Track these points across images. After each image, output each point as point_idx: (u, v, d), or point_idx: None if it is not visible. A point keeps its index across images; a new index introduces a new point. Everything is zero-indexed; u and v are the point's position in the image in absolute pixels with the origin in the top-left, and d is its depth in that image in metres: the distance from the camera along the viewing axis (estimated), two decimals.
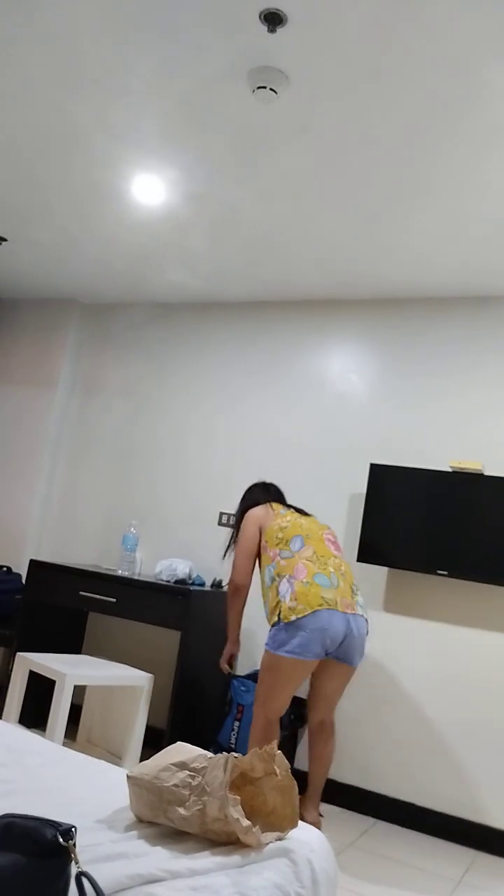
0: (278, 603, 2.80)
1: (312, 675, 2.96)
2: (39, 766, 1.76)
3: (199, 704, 3.43)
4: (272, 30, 1.97)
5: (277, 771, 1.44)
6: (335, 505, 3.68)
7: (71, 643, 4.07)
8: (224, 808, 1.33)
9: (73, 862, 1.09)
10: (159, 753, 1.52)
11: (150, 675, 3.22)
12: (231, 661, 3.18)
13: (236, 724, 3.36)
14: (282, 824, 1.45)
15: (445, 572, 3.20)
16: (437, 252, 3.18)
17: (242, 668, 3.68)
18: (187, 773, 1.41)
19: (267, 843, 1.38)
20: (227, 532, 3.90)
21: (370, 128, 2.37)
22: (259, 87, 2.20)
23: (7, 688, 3.26)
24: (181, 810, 1.37)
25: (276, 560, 2.91)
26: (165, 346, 4.34)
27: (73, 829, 1.10)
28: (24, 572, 4.21)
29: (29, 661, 3.14)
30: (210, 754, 1.46)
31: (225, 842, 1.36)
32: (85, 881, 1.09)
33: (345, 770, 3.41)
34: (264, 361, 4.04)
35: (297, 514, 3.07)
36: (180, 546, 4.03)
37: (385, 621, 3.47)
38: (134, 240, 3.55)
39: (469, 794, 3.18)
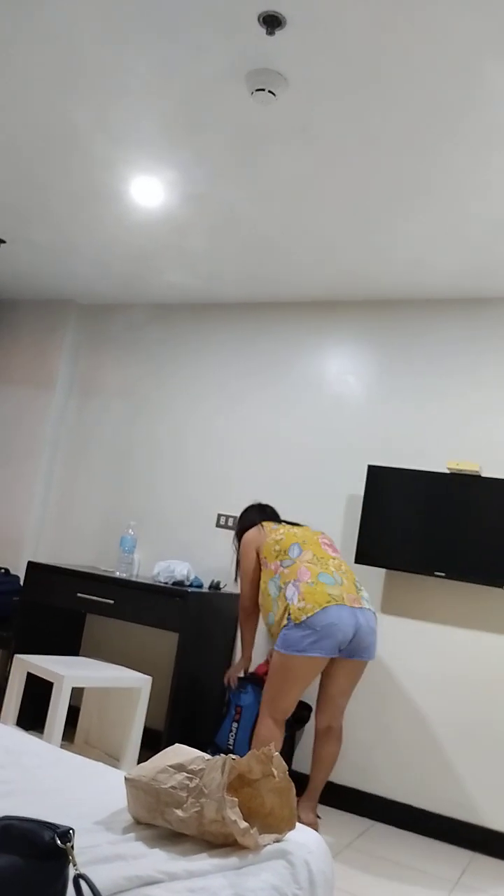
0: (287, 607, 2.86)
1: (322, 675, 2.98)
2: (37, 768, 1.76)
3: (196, 706, 3.42)
4: (271, 32, 1.97)
5: (275, 773, 1.44)
6: (333, 506, 3.68)
7: (69, 645, 4.07)
8: (222, 810, 1.33)
9: (70, 864, 1.08)
10: (157, 755, 1.52)
11: (147, 676, 3.21)
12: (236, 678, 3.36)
13: (234, 725, 3.36)
14: (279, 826, 1.45)
15: (443, 574, 3.20)
16: (436, 253, 3.19)
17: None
18: (185, 775, 1.41)
19: (264, 845, 1.38)
20: (225, 534, 3.91)
21: (369, 129, 2.38)
22: (258, 90, 2.20)
23: (5, 689, 3.25)
24: (179, 812, 1.37)
25: (278, 571, 3.00)
26: (164, 347, 4.34)
27: (70, 831, 1.10)
28: (21, 574, 4.20)
29: (27, 663, 3.13)
30: (208, 756, 1.46)
31: (222, 843, 1.36)
32: (83, 883, 1.09)
33: (342, 772, 3.41)
34: (263, 362, 4.04)
35: (289, 526, 3.20)
36: (179, 547, 4.02)
37: (383, 623, 3.46)
38: (133, 241, 3.55)
39: (466, 796, 3.17)
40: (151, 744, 3.61)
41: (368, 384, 3.75)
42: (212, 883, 1.23)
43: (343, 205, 2.90)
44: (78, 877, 1.09)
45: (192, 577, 3.65)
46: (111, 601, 3.46)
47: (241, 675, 3.39)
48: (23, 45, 2.22)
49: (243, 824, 1.33)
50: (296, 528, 3.16)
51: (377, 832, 3.17)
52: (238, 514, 3.87)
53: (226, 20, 1.98)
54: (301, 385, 3.91)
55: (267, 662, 3.48)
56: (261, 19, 1.95)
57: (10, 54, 2.27)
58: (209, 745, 3.41)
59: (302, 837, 1.48)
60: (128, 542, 3.86)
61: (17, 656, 3.18)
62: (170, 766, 1.43)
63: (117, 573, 3.74)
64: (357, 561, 3.39)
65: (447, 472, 3.34)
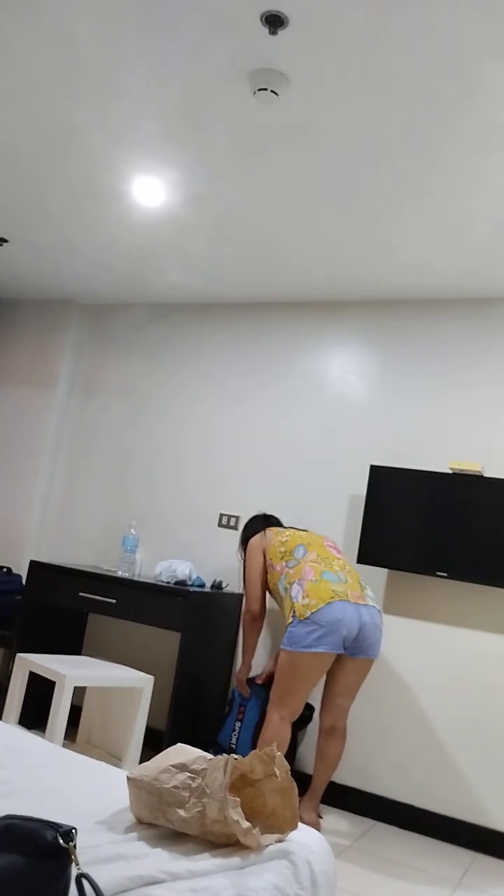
0: (292, 605, 2.89)
1: (327, 674, 3.00)
2: (39, 767, 1.76)
3: (198, 706, 3.42)
4: (273, 32, 1.97)
5: (277, 773, 1.44)
6: (335, 506, 3.68)
7: (71, 644, 4.07)
8: (224, 810, 1.33)
9: (73, 863, 1.08)
10: (159, 755, 1.52)
11: (149, 676, 3.22)
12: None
13: (237, 724, 3.36)
14: (281, 826, 1.45)
15: (445, 574, 3.20)
16: (437, 253, 3.18)
17: None
18: (187, 774, 1.41)
19: (267, 845, 1.38)
20: (227, 533, 3.91)
21: (370, 129, 2.38)
22: (260, 90, 2.20)
23: (7, 689, 3.26)
24: (181, 812, 1.37)
25: (284, 572, 3.05)
26: (165, 346, 4.34)
27: (73, 831, 1.10)
28: (24, 573, 4.20)
29: (29, 662, 3.14)
30: (210, 756, 1.46)
31: (224, 843, 1.36)
32: (85, 883, 1.09)
33: (344, 772, 3.41)
34: (264, 362, 4.04)
35: (294, 530, 3.26)
36: (180, 547, 4.03)
37: (385, 623, 3.46)
38: (133, 241, 3.55)
39: (468, 796, 3.17)
40: (153, 743, 3.61)
41: (370, 384, 3.74)
42: (214, 883, 1.23)
43: (343, 204, 2.90)
44: (80, 876, 1.09)
45: (194, 577, 3.66)
46: (113, 601, 3.47)
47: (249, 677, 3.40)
48: (23, 45, 2.22)
49: (245, 824, 1.33)
50: (301, 532, 3.22)
51: (379, 832, 3.17)
52: (239, 514, 3.89)
53: (227, 20, 1.98)
54: (302, 385, 3.90)
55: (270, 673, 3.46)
56: (263, 19, 1.95)
57: (9, 54, 2.27)
58: (211, 744, 3.41)
59: (304, 837, 1.48)
60: (130, 542, 3.86)
61: (20, 655, 3.19)
62: (172, 766, 1.43)
63: (119, 573, 3.74)
64: (359, 561, 3.39)
65: (449, 472, 3.34)
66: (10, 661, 3.60)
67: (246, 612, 3.25)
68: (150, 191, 3.02)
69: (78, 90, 2.41)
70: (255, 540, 3.29)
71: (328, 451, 3.76)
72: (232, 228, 3.26)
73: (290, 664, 2.83)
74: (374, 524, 3.40)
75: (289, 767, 1.46)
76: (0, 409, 4.64)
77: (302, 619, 2.81)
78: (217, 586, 3.73)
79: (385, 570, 3.51)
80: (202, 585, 3.67)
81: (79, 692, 3.83)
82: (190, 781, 1.39)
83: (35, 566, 3.74)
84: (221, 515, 3.95)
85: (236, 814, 1.33)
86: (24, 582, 4.02)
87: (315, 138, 2.48)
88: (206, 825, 1.35)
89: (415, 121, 2.30)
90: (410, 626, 3.41)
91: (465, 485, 3.25)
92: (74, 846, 1.09)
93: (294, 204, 2.96)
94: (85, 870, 1.10)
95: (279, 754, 1.45)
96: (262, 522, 3.41)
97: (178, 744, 1.61)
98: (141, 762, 3.14)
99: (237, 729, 3.35)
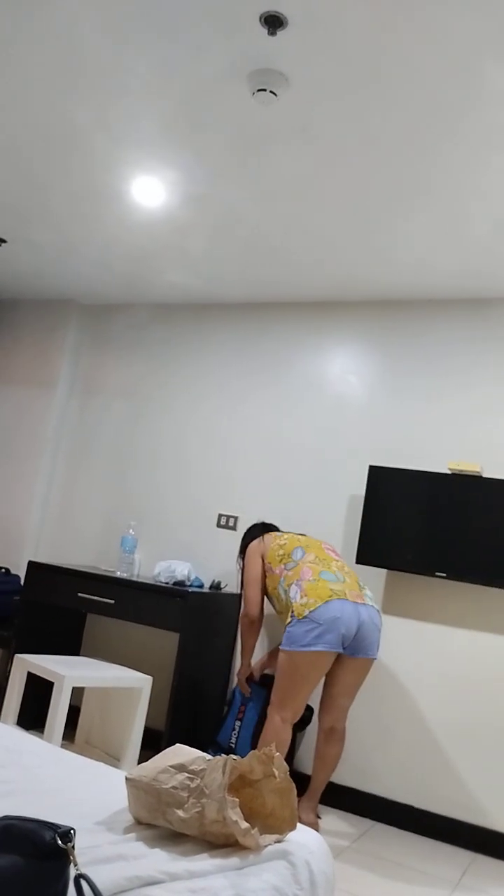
0: (291, 605, 2.91)
1: (327, 675, 2.99)
2: (37, 768, 1.76)
3: (197, 706, 3.42)
4: (272, 32, 1.97)
5: (276, 773, 1.44)
6: (334, 506, 3.68)
7: (69, 645, 4.07)
8: (223, 811, 1.33)
9: (71, 864, 1.08)
10: (158, 755, 1.52)
11: (148, 676, 3.21)
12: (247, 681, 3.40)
13: (237, 723, 3.36)
14: (280, 826, 1.45)
15: (444, 574, 3.20)
16: (437, 253, 3.18)
17: None
18: (186, 775, 1.41)
19: (265, 846, 1.38)
20: (225, 534, 3.91)
21: (370, 129, 2.38)
22: (259, 90, 2.20)
23: (5, 689, 3.25)
24: (180, 812, 1.37)
25: (283, 574, 3.07)
26: (165, 346, 4.34)
27: (71, 832, 1.10)
28: (22, 573, 4.20)
29: (27, 663, 3.13)
30: (209, 756, 1.46)
31: (223, 844, 1.36)
32: (84, 883, 1.08)
33: (343, 772, 3.41)
34: (264, 362, 4.04)
35: (292, 534, 3.29)
36: (179, 547, 4.02)
37: (384, 623, 3.46)
38: (134, 241, 3.55)
39: (467, 796, 3.17)
40: (152, 744, 3.61)
41: (370, 384, 3.74)
42: (213, 883, 1.23)
43: (343, 205, 2.90)
44: (79, 877, 1.09)
45: (192, 578, 3.66)
46: (112, 601, 3.46)
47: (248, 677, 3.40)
48: (23, 45, 2.22)
49: (244, 825, 1.33)
50: (299, 535, 3.25)
51: (378, 832, 3.17)
52: (238, 514, 3.89)
53: (227, 20, 1.98)
54: (302, 385, 3.90)
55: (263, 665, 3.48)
56: (262, 19, 1.95)
57: (10, 54, 2.27)
58: (210, 744, 3.41)
59: (303, 838, 1.48)
60: (128, 542, 3.86)
61: (18, 656, 3.18)
62: (171, 767, 1.43)
63: (118, 573, 3.74)
64: (358, 561, 3.39)
65: (448, 472, 3.34)
66: (8, 661, 3.59)
67: (244, 615, 3.25)
68: (150, 191, 3.02)
69: (78, 90, 2.41)
70: (253, 545, 3.32)
71: (327, 452, 3.76)
72: (232, 228, 3.26)
73: (289, 664, 2.83)
74: (374, 524, 3.40)
75: (288, 768, 1.46)
76: (0, 410, 4.65)
77: (300, 618, 2.82)
78: (216, 587, 3.72)
79: (384, 571, 3.51)
80: (201, 586, 3.67)
81: (77, 692, 3.83)
82: (189, 782, 1.39)
83: (33, 566, 3.74)
84: (220, 516, 3.95)
85: (235, 814, 1.33)
86: (22, 582, 4.02)
87: (315, 138, 2.48)
88: (205, 825, 1.35)
89: (414, 121, 2.30)
90: (410, 627, 3.41)
91: (464, 485, 3.25)
92: (73, 847, 1.09)
93: (294, 204, 2.96)
94: (84, 870, 1.10)
95: (278, 755, 1.45)
96: (261, 529, 3.43)
97: (177, 744, 1.61)
98: (139, 763, 3.14)
99: (237, 728, 3.35)
